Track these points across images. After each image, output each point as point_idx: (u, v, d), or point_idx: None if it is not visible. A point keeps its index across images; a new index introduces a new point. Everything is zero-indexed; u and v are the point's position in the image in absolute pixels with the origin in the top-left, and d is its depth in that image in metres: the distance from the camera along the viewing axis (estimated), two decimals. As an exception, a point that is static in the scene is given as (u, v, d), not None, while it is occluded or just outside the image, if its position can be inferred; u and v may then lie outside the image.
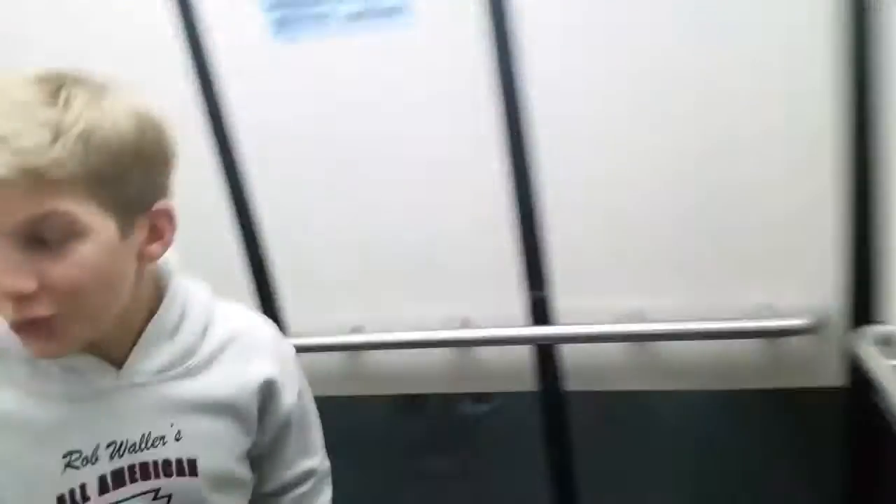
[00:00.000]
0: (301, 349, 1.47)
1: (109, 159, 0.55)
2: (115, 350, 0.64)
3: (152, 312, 0.66)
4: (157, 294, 0.68)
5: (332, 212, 1.41)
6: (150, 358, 0.65)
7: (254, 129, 1.38)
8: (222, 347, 0.71)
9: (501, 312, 1.35)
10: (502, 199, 1.29)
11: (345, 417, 1.57)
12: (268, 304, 1.49)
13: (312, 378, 1.52)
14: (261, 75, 1.34)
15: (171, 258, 0.69)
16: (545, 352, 1.36)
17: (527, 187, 1.27)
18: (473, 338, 1.31)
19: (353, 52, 1.28)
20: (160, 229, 0.62)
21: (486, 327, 1.33)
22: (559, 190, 1.27)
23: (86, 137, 0.53)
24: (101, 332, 0.61)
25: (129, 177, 0.57)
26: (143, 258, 0.62)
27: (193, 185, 1.42)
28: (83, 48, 1.34)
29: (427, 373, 1.44)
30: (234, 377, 0.70)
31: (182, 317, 0.68)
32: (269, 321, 0.80)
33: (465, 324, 1.37)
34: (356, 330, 1.45)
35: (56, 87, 0.54)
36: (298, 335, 1.46)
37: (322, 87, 1.32)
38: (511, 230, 1.31)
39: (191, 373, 0.68)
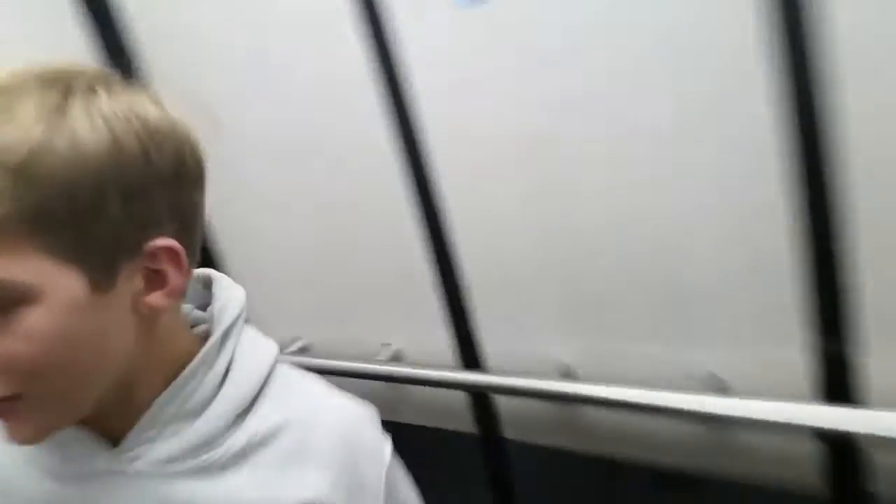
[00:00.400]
0: (498, 390, 1.25)
1: (62, 192, 0.41)
2: (121, 423, 0.50)
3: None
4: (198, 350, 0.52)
5: (535, 221, 1.13)
6: (156, 442, 0.50)
7: (441, 130, 1.16)
8: (262, 441, 0.52)
9: (772, 375, 0.96)
10: (779, 204, 0.91)
11: (548, 472, 1.30)
12: (462, 334, 1.28)
13: (511, 421, 1.29)
14: (445, 52, 1.09)
15: (231, 299, 0.54)
16: (845, 443, 0.93)
17: (822, 190, 0.87)
18: (732, 415, 0.92)
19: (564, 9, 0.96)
20: (161, 273, 0.47)
21: (748, 397, 0.93)
22: (870, 193, 0.85)
23: (27, 168, 0.40)
24: (92, 407, 0.48)
25: (97, 211, 0.43)
26: (143, 311, 0.47)
27: (377, 190, 1.26)
28: (254, 17, 1.23)
29: (660, 439, 1.10)
30: (266, 487, 0.51)
31: (216, 390, 0.51)
32: (367, 407, 0.58)
33: (719, 387, 1.00)
34: (566, 374, 1.16)
35: (9, 99, 0.42)
36: (498, 374, 1.24)
37: (522, 66, 1.03)
38: (794, 253, 0.92)
39: (208, 470, 0.50)
